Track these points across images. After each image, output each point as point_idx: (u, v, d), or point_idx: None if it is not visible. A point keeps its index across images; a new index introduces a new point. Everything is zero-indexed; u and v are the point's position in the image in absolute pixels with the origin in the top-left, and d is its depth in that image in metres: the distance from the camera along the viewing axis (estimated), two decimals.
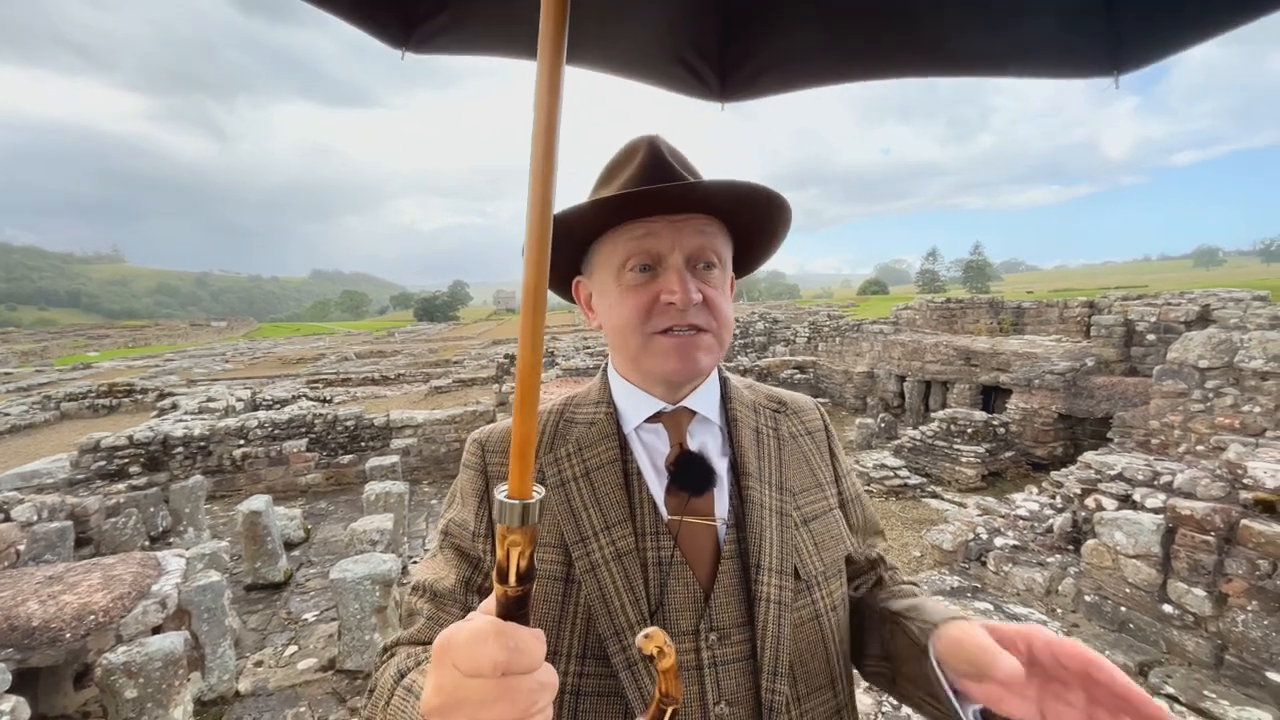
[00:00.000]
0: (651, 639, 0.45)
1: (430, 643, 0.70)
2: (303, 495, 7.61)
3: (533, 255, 0.44)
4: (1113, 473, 4.04)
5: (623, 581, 0.70)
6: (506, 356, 11.25)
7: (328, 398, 12.78)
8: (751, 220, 0.76)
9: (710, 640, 0.69)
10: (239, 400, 10.37)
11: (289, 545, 5.67)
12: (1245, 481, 3.26)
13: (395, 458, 6.73)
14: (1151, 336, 7.91)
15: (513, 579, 0.43)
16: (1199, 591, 3.20)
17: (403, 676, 0.65)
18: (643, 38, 0.90)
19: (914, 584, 0.88)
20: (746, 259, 0.84)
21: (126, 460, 7.33)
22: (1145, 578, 3.44)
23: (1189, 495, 3.42)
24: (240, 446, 7.77)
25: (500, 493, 0.44)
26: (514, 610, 0.43)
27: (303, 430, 8.04)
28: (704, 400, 0.80)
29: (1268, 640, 2.92)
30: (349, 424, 8.22)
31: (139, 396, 13.99)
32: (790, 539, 0.75)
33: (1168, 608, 3.35)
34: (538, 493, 0.43)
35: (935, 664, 0.63)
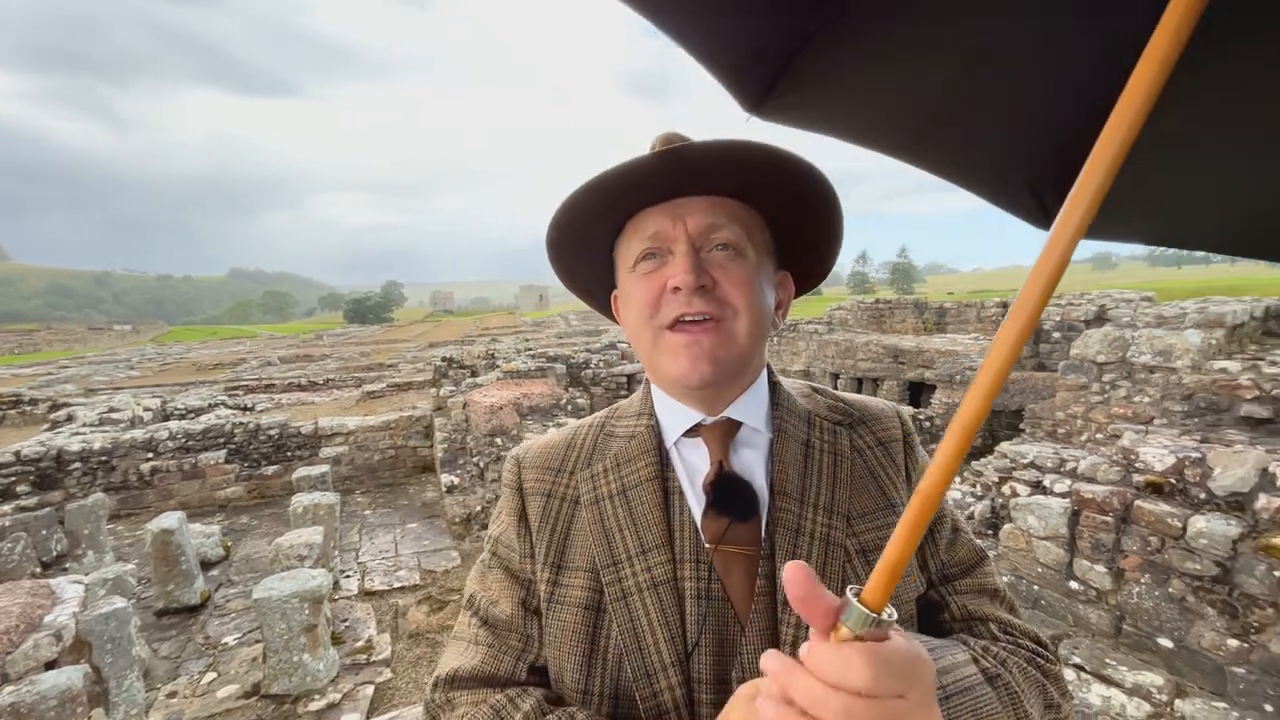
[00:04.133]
0: None
1: (495, 680, 0.67)
2: (222, 510, 7.12)
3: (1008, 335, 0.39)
4: (1025, 461, 4.35)
5: (657, 615, 0.62)
6: (444, 359, 10.91)
7: (249, 405, 12.00)
8: (780, 198, 0.67)
9: None
10: (146, 410, 9.57)
11: (206, 564, 5.29)
12: (1138, 466, 3.58)
13: (325, 467, 6.40)
14: (1056, 335, 8.57)
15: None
16: (1100, 568, 3.49)
17: None
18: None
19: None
20: (801, 255, 0.74)
21: (12, 479, 6.62)
22: (1054, 557, 3.72)
23: (1090, 480, 3.72)
24: (149, 460, 7.17)
25: (852, 591, 0.41)
26: None
27: (221, 440, 7.52)
28: (750, 409, 0.70)
29: (1158, 610, 3.21)
30: (273, 433, 7.75)
31: (27, 408, 12.67)
32: (837, 572, 0.64)
33: (1074, 584, 3.63)
34: (889, 614, 0.41)
35: None
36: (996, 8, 0.66)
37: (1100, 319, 8.07)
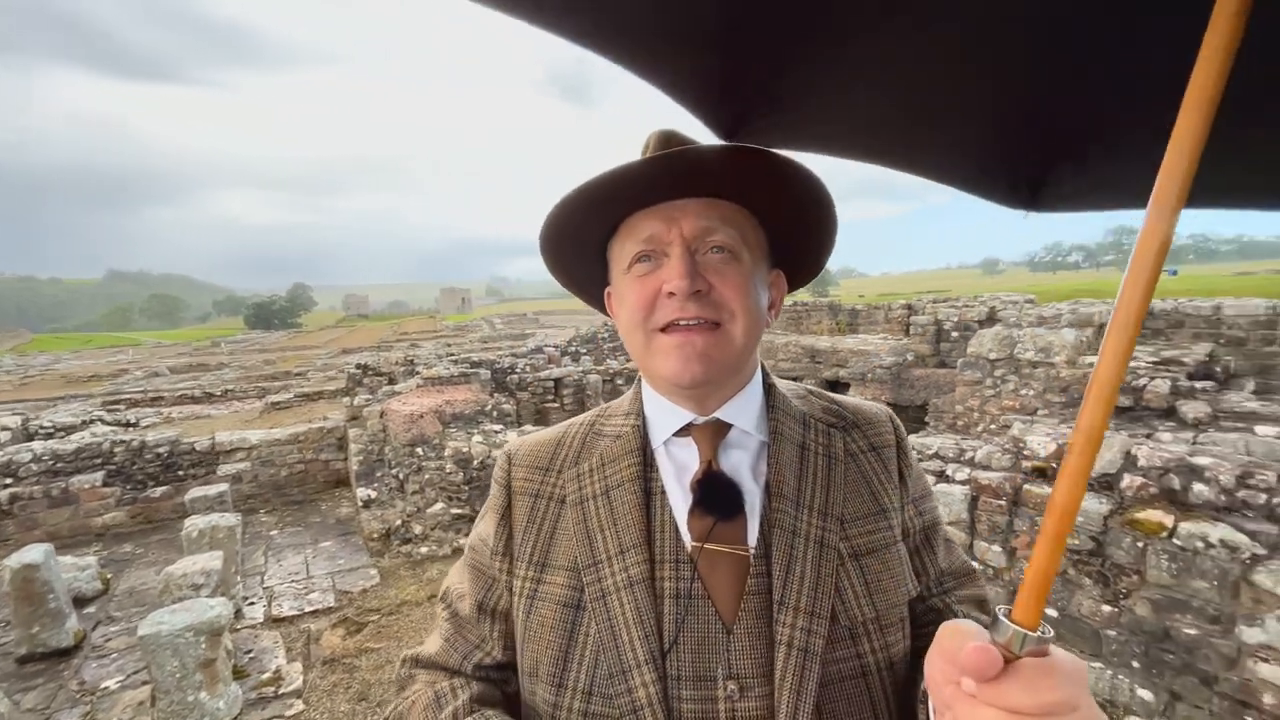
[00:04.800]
0: None
1: (447, 669, 0.75)
2: (99, 539, 6.38)
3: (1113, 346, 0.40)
4: (930, 452, 4.68)
5: (632, 614, 0.63)
6: (359, 366, 10.34)
7: (132, 421, 10.85)
8: (776, 201, 0.67)
9: (729, 690, 0.60)
10: (3, 429, 8.44)
11: (80, 601, 4.71)
12: (1025, 453, 3.93)
13: (224, 486, 5.89)
14: (955, 334, 9.28)
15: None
16: (996, 548, 3.80)
17: None
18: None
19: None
20: (794, 255, 0.74)
21: None
22: (958, 541, 4.02)
23: (986, 467, 4.05)
24: (7, 486, 6.31)
25: (1002, 612, 0.42)
26: None
27: (98, 461, 6.74)
28: (741, 411, 0.70)
29: None
30: (161, 450, 7.04)
31: None
32: (830, 575, 0.64)
33: (975, 564, 3.95)
34: (1046, 631, 0.41)
35: (925, 689, 0.54)
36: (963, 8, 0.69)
37: (991, 319, 8.81)
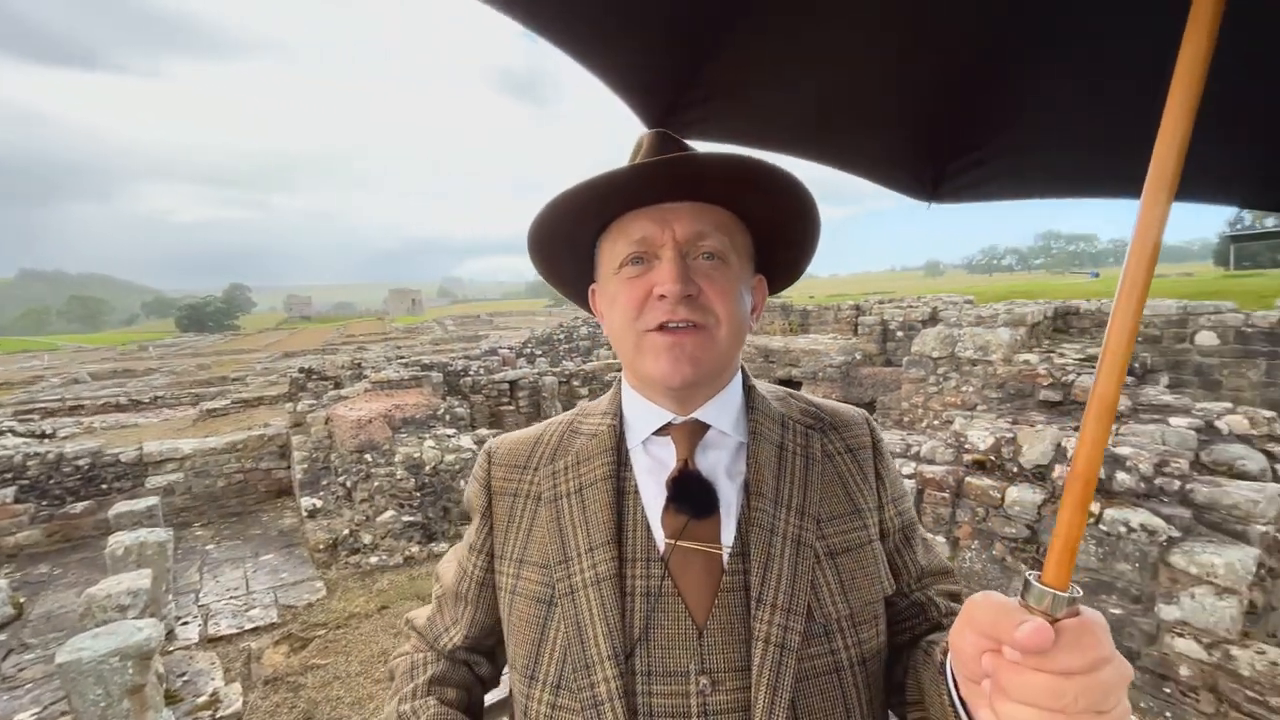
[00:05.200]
0: None
1: (425, 639, 0.83)
2: (11, 560, 5.89)
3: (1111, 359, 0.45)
4: (885, 442, 4.85)
5: (598, 610, 0.64)
6: (302, 370, 9.91)
7: (48, 431, 10.06)
8: (765, 210, 0.68)
9: (701, 685, 0.62)
10: None
11: None
12: (966, 447, 4.12)
13: (153, 499, 5.53)
14: (900, 333, 9.64)
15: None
16: (941, 539, 3.95)
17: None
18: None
19: None
20: (776, 260, 0.76)
21: None
22: None
23: (930, 461, 4.21)
24: None
25: (1033, 577, 0.44)
26: None
27: (9, 475, 6.22)
28: (719, 412, 0.72)
29: (986, 570, 3.71)
30: (82, 463, 6.56)
31: None
32: (806, 572, 0.65)
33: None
34: (1076, 591, 0.43)
35: (947, 663, 0.53)
36: (876, 11, 0.75)
37: (934, 319, 9.19)
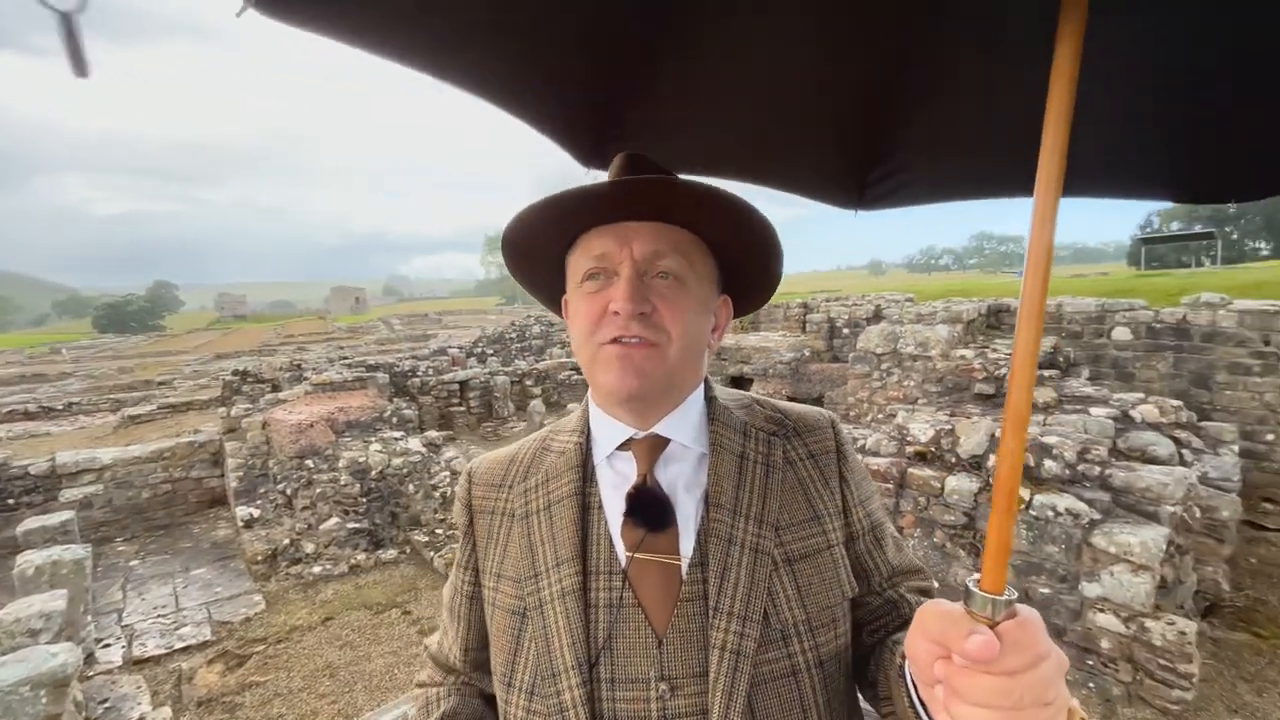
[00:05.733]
0: (1075, 712, 0.48)
1: (439, 660, 0.87)
2: None
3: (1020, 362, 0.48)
4: (850, 444, 4.99)
5: (563, 623, 0.68)
6: (236, 373, 9.40)
7: None
8: (725, 235, 0.71)
9: (661, 690, 0.64)
10: None
11: None
12: (908, 439, 4.29)
13: (68, 514, 5.13)
14: (846, 330, 9.95)
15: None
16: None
17: None
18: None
19: None
20: (742, 283, 0.79)
21: None
22: None
23: (876, 454, 4.37)
24: None
25: (972, 582, 0.47)
26: None
27: None
28: (679, 426, 0.73)
29: (927, 557, 3.88)
30: None
31: None
32: (763, 580, 0.67)
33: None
34: (1011, 593, 0.46)
35: (904, 665, 0.57)
36: (789, 37, 0.82)
37: (878, 317, 9.53)
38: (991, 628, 0.46)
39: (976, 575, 0.48)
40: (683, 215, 0.69)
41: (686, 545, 0.69)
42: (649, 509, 0.69)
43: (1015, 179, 0.96)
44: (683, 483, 0.72)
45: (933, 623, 0.49)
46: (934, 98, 0.90)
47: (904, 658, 0.56)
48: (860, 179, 1.05)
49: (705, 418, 0.76)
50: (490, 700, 0.82)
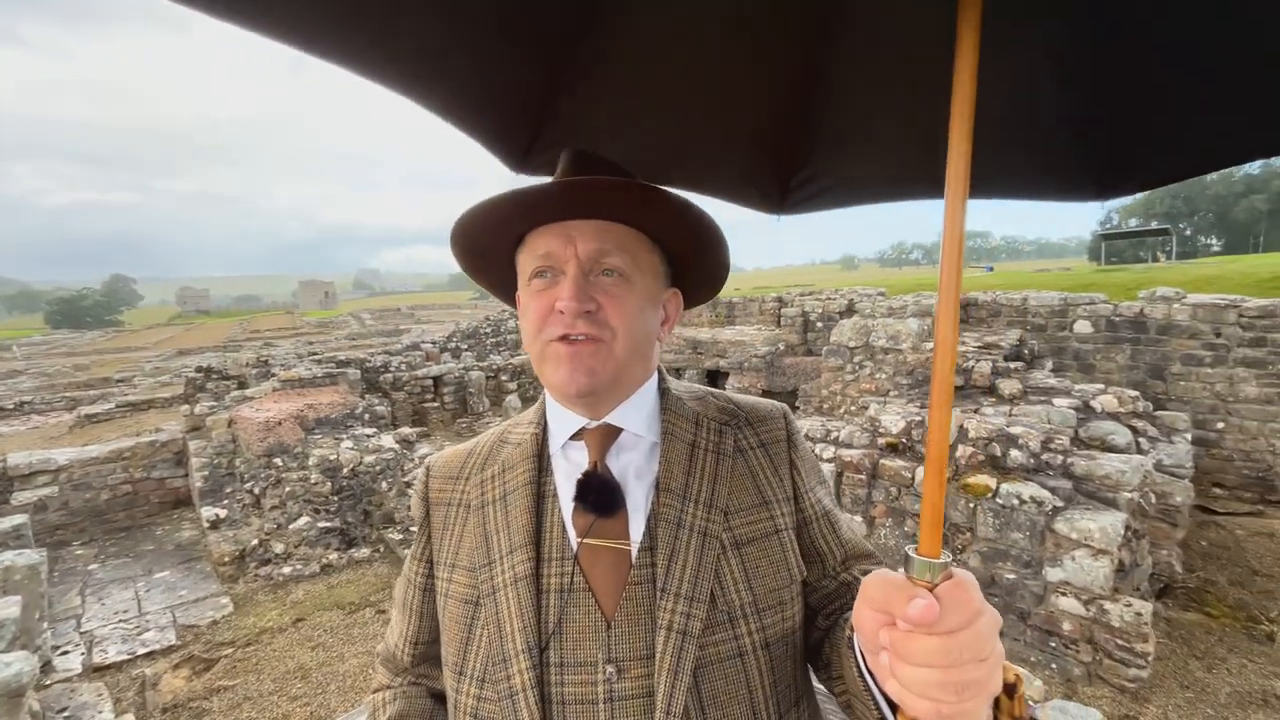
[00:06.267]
0: (1009, 669, 0.51)
1: (389, 658, 0.87)
2: None
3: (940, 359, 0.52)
4: (800, 433, 5.06)
5: (515, 608, 0.69)
6: (200, 369, 9.12)
7: None
8: (668, 230, 0.74)
9: (608, 673, 0.65)
10: None
11: None
12: (880, 431, 4.37)
13: (21, 518, 4.92)
14: (820, 324, 10.08)
15: None
16: (858, 518, 4.19)
17: None
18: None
19: None
20: (690, 276, 0.82)
21: None
22: None
23: (849, 446, 4.44)
24: None
25: (911, 549, 0.50)
26: None
27: None
28: (632, 415, 0.75)
29: (898, 545, 3.96)
30: None
31: None
32: (711, 563, 0.68)
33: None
34: (947, 557, 0.49)
35: (852, 637, 0.59)
36: (705, 47, 0.86)
37: (850, 310, 9.68)
38: (931, 591, 0.48)
39: (914, 545, 0.51)
40: (625, 213, 0.70)
41: (636, 531, 0.71)
42: (598, 494, 0.71)
43: (926, 181, 1.01)
44: (634, 470, 0.74)
45: (875, 591, 0.51)
46: (844, 106, 0.95)
47: (852, 629, 0.58)
48: (782, 184, 1.09)
49: (658, 408, 0.78)
50: (439, 697, 0.83)
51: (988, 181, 0.95)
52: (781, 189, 1.09)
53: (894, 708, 0.52)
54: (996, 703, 0.51)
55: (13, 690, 2.61)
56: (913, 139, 0.92)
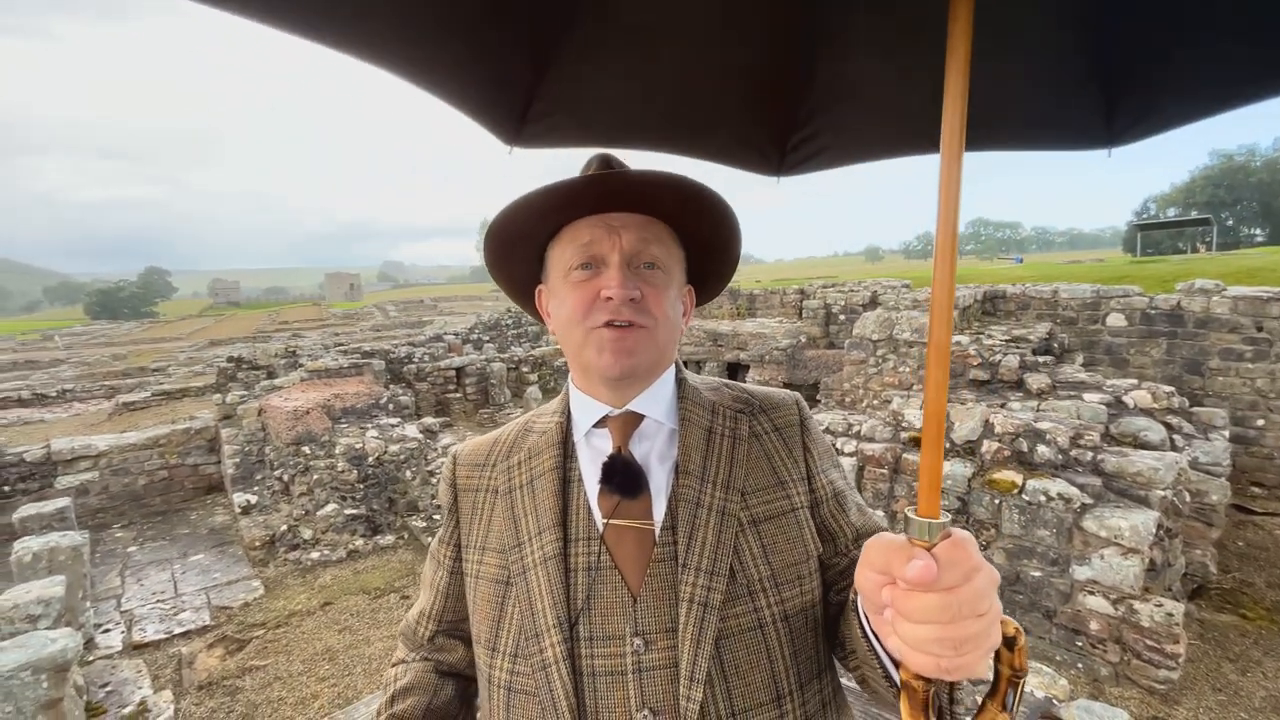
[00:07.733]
0: (1009, 623, 0.52)
1: (408, 636, 0.91)
2: None
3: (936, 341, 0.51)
4: (821, 427, 5.01)
5: (545, 585, 0.72)
6: (232, 359, 9.36)
7: None
8: (697, 226, 0.78)
9: (636, 645, 0.69)
10: None
11: None
12: (903, 425, 4.31)
13: (64, 501, 5.13)
14: (842, 317, 9.96)
15: None
16: (880, 513, 4.14)
17: None
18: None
19: None
20: (704, 273, 0.86)
21: None
22: None
23: (871, 440, 4.40)
24: None
25: (911, 511, 0.51)
26: None
27: None
28: (653, 403, 0.80)
29: None
30: None
31: None
32: (729, 539, 0.72)
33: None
34: (946, 518, 0.50)
35: (856, 600, 0.60)
36: (700, 9, 0.85)
37: (874, 303, 9.54)
38: (929, 551, 0.49)
39: (913, 507, 0.52)
40: (661, 208, 0.75)
41: (659, 511, 0.74)
42: (622, 476, 0.74)
43: (928, 135, 0.99)
44: (655, 455, 0.78)
45: (876, 553, 0.52)
46: (841, 59, 0.95)
47: (856, 593, 0.60)
48: (780, 145, 1.09)
49: (676, 396, 0.83)
50: (446, 673, 0.89)
51: (988, 130, 0.94)
52: (780, 149, 1.09)
53: (897, 665, 0.54)
54: (997, 655, 0.53)
55: (58, 665, 2.73)
56: (912, 91, 0.92)
